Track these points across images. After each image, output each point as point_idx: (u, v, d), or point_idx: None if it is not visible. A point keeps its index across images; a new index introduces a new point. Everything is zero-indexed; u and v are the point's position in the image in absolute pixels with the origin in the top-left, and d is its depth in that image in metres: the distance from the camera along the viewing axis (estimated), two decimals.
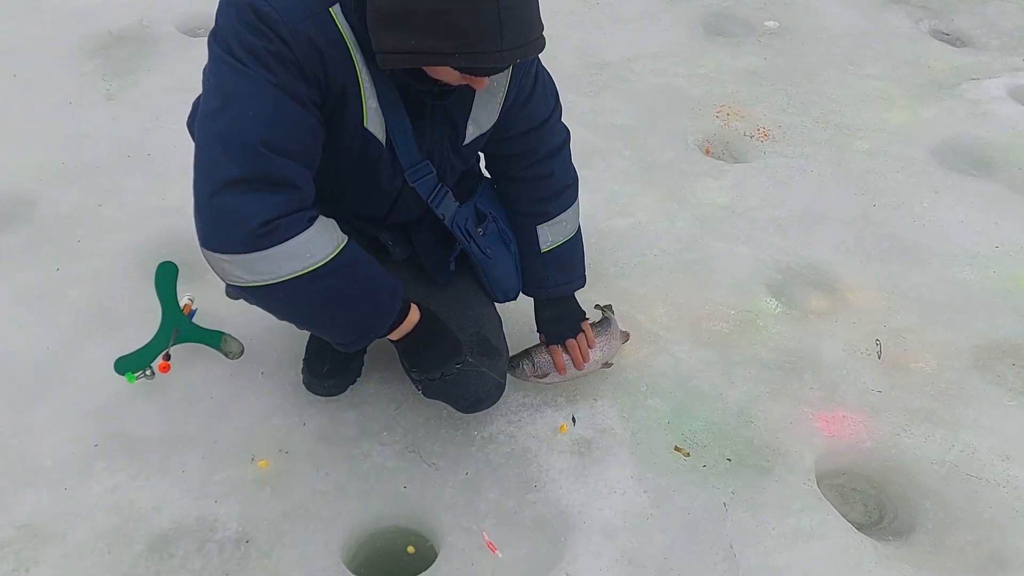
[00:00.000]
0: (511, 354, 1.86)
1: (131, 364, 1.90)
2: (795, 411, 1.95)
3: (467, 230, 1.69)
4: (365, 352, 2.02)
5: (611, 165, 2.79)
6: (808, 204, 2.65)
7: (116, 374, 1.87)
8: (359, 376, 1.99)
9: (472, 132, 1.56)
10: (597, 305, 2.04)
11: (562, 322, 1.88)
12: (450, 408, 1.91)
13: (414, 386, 1.76)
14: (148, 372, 1.88)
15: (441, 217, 1.63)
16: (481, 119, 1.55)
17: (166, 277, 2.01)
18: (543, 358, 1.86)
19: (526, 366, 1.85)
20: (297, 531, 1.67)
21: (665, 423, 1.91)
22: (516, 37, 1.21)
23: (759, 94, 3.27)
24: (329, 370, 1.93)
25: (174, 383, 1.95)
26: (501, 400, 1.95)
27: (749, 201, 2.64)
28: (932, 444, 1.88)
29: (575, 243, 1.87)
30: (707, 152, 2.97)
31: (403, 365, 1.65)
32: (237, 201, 1.24)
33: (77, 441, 1.80)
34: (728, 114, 3.12)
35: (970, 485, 1.82)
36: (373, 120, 1.42)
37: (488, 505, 1.72)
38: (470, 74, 1.29)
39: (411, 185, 1.55)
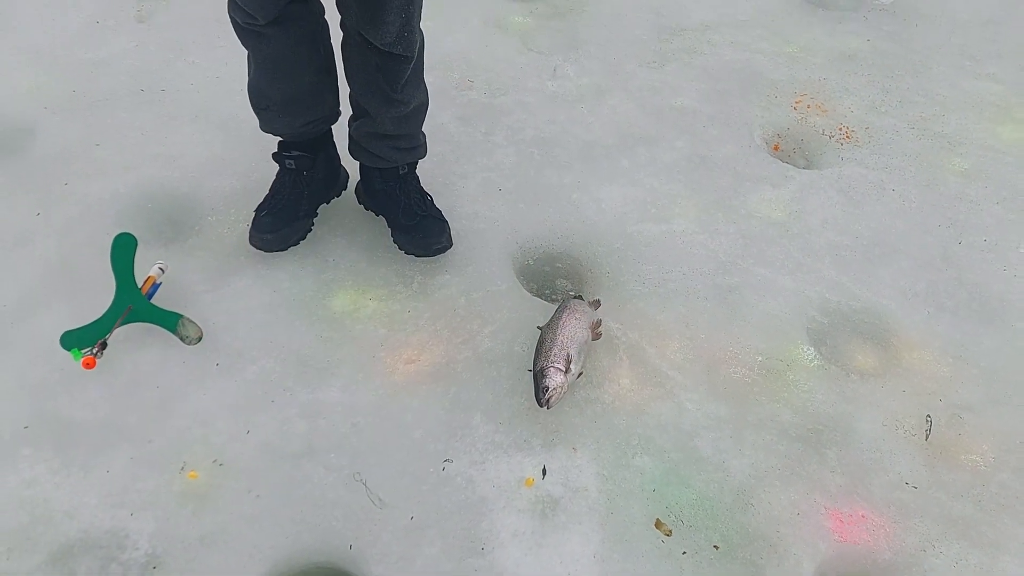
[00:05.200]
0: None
1: (77, 340, 1.76)
2: (806, 500, 1.64)
3: None
4: (314, 217, 2.00)
5: (656, 157, 2.45)
6: (879, 232, 2.25)
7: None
8: (302, 238, 1.98)
9: None
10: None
11: None
12: (411, 432, 1.70)
13: None
14: (95, 351, 1.74)
15: None
16: None
17: (123, 250, 1.85)
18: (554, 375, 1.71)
19: (549, 392, 1.69)
20: (211, 560, 1.50)
21: (650, 490, 1.64)
22: None
23: (851, 85, 2.82)
24: (267, 215, 1.89)
25: (122, 365, 1.79)
26: (470, 432, 1.73)
27: (809, 220, 2.27)
28: (964, 570, 1.54)
29: None
30: (775, 149, 2.59)
31: None
32: None
33: (7, 419, 1.68)
34: (808, 106, 2.71)
35: None
36: None
37: (425, 562, 1.52)
38: None
39: None
